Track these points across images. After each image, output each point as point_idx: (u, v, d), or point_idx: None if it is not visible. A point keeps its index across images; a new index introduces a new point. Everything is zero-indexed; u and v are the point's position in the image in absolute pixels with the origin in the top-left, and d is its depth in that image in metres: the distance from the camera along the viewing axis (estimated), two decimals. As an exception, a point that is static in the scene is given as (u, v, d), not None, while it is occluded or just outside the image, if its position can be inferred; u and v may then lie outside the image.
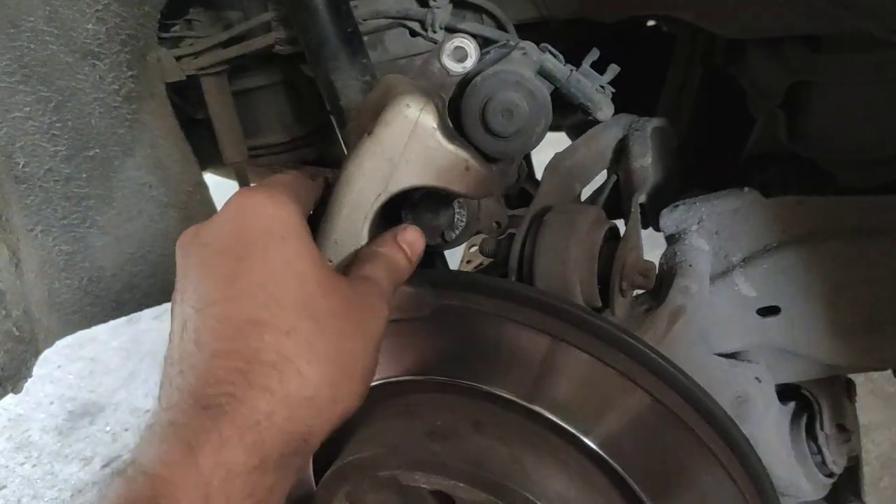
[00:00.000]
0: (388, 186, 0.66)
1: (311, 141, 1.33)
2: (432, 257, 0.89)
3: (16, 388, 1.19)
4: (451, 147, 0.66)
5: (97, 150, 1.17)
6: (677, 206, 0.95)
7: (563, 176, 0.94)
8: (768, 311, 1.00)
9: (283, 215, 0.60)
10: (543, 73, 0.84)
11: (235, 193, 0.63)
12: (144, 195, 1.24)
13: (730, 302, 0.99)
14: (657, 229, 1.00)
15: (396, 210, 0.78)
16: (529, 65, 0.83)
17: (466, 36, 0.80)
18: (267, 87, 1.27)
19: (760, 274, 0.97)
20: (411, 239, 0.70)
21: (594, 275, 0.83)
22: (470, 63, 0.80)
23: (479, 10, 1.07)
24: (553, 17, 1.07)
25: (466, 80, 0.80)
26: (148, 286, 1.30)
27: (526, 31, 1.09)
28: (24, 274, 1.17)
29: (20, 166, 1.13)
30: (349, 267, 0.66)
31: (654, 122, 0.99)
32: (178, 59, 1.15)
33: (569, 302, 0.79)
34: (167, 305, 1.36)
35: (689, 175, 1.12)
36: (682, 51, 1.18)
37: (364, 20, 1.09)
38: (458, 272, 0.90)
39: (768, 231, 0.94)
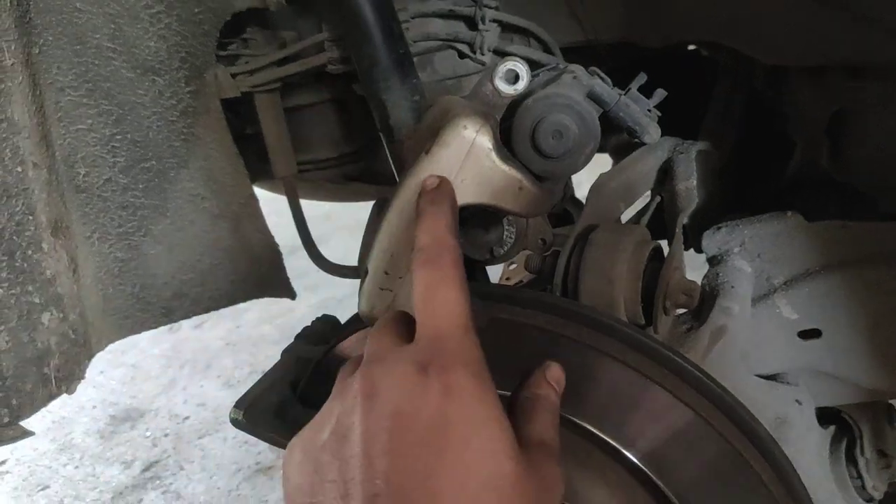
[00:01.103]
0: (443, 203, 0.69)
1: (358, 157, 1.37)
2: (475, 271, 0.92)
3: (70, 390, 1.23)
4: (505, 167, 0.69)
5: (153, 162, 1.22)
6: (720, 227, 0.97)
7: (609, 196, 0.96)
8: (809, 335, 1.01)
9: (487, 398, 0.56)
10: (593, 97, 0.87)
11: (424, 357, 0.57)
12: (197, 206, 1.28)
13: (771, 324, 1.01)
14: (699, 251, 1.02)
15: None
16: (580, 88, 0.86)
17: (518, 59, 0.83)
18: (317, 104, 1.30)
19: (802, 297, 0.98)
20: (559, 376, 0.68)
21: (638, 293, 0.85)
22: (521, 85, 0.82)
23: (526, 33, 1.10)
24: (599, 40, 1.10)
25: (517, 102, 0.83)
26: (196, 295, 1.34)
27: (571, 54, 1.11)
28: (81, 279, 1.21)
29: (81, 176, 1.18)
30: (521, 424, 0.61)
31: (699, 146, 1.01)
32: (234, 76, 1.19)
33: (614, 318, 0.81)
34: (207, 315, 1.40)
35: (731, 198, 1.13)
36: (726, 76, 1.20)
37: (415, 41, 1.12)
38: (505, 286, 0.93)
39: (811, 255, 0.96)
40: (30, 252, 1.11)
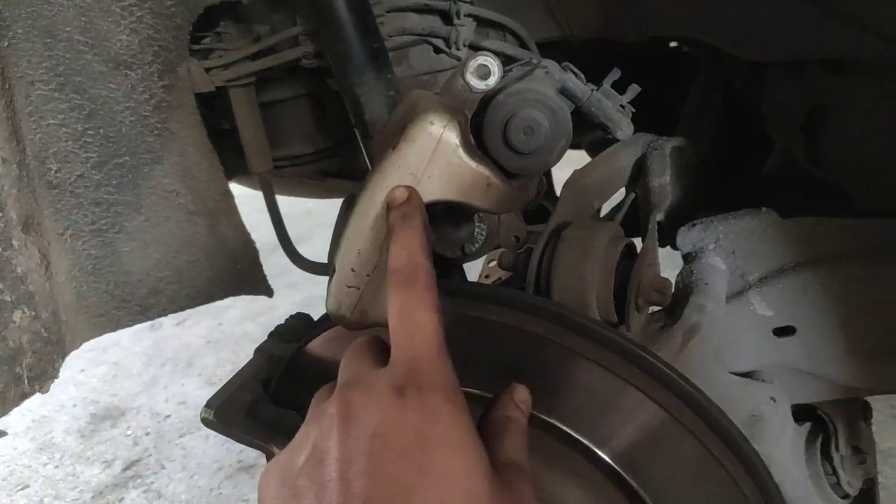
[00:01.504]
0: (410, 199, 0.68)
1: (334, 153, 1.36)
2: (450, 269, 0.91)
3: (43, 389, 1.21)
4: (473, 164, 0.68)
5: (127, 158, 1.20)
6: (694, 224, 0.97)
7: (582, 193, 0.95)
8: (784, 332, 1.01)
9: (462, 421, 0.56)
10: (565, 92, 0.86)
11: (395, 379, 0.57)
12: (172, 202, 1.26)
13: (745, 321, 1.00)
14: (674, 248, 1.01)
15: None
16: (551, 84, 0.85)
17: (490, 54, 0.82)
18: (292, 99, 1.29)
19: (777, 294, 0.98)
20: (525, 398, 0.68)
21: (610, 290, 0.85)
22: (493, 81, 0.82)
23: (502, 28, 1.09)
24: (576, 36, 1.09)
25: (489, 98, 0.83)
26: (173, 292, 1.32)
27: (548, 49, 1.11)
28: (54, 277, 1.20)
29: (53, 171, 1.16)
30: (493, 445, 0.61)
31: (674, 142, 1.00)
32: (208, 70, 1.18)
33: (585, 316, 0.81)
34: (189, 312, 1.38)
35: (708, 195, 1.13)
36: (704, 72, 1.19)
37: (390, 36, 1.11)
38: (476, 283, 0.92)
39: (785, 251, 0.95)
40: (1, 250, 1.10)
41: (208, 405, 0.98)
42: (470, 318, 0.77)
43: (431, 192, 0.68)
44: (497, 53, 0.97)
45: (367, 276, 0.69)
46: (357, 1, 1.05)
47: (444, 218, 0.79)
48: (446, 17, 1.09)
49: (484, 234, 0.80)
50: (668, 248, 1.05)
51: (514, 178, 0.86)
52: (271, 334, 1.03)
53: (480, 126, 0.83)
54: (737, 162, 1.24)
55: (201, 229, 1.30)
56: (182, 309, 1.34)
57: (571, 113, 0.86)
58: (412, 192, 0.69)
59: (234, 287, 1.37)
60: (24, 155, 1.13)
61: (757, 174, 1.19)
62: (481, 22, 1.09)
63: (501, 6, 1.09)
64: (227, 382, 1.01)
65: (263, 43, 1.17)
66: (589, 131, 1.03)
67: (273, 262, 1.41)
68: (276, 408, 0.96)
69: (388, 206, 0.68)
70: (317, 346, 0.91)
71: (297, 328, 1.04)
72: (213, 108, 1.31)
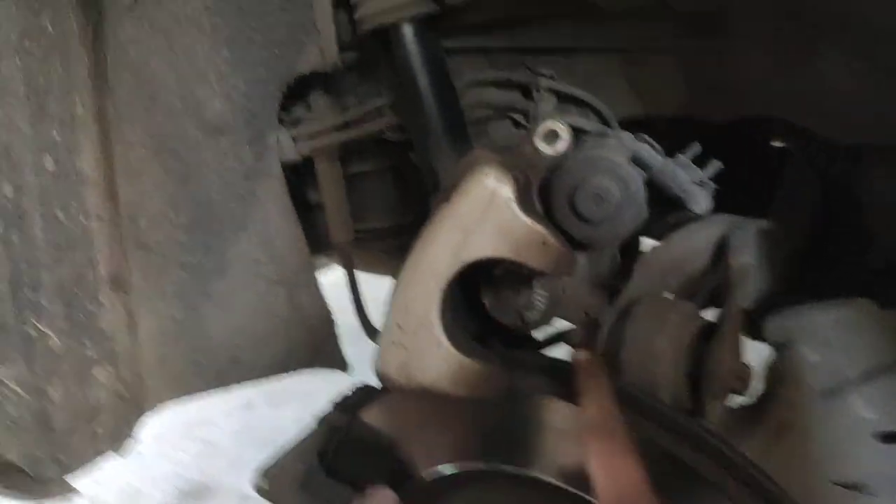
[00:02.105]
0: (461, 255, 0.66)
1: (415, 228, 1.34)
2: (512, 336, 0.86)
3: (118, 448, 1.22)
4: (527, 220, 0.65)
5: (215, 223, 1.22)
6: (784, 312, 0.89)
7: (657, 270, 0.90)
8: (890, 438, 0.90)
9: None
10: (637, 162, 0.82)
11: None
12: (254, 270, 1.27)
13: (844, 422, 0.90)
14: (762, 339, 0.93)
15: (476, 285, 0.77)
16: (623, 152, 0.82)
17: (560, 120, 0.80)
18: (376, 171, 1.30)
19: (879, 394, 0.88)
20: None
21: (682, 372, 0.78)
22: (562, 146, 0.79)
23: (583, 104, 1.07)
24: (660, 114, 1.06)
25: (558, 164, 0.80)
26: (250, 360, 1.32)
27: (631, 128, 1.08)
28: (138, 338, 1.22)
29: (143, 232, 1.19)
30: None
31: (760, 224, 0.94)
32: (295, 140, 1.20)
33: (654, 399, 0.74)
34: (281, 394, 1.36)
35: (806, 286, 1.05)
36: (797, 156, 1.12)
37: (469, 109, 1.11)
38: (534, 354, 0.87)
39: (887, 346, 0.86)
40: (88, 305, 1.12)
41: (264, 474, 0.95)
42: (518, 391, 0.72)
43: (483, 247, 0.65)
44: (575, 128, 0.94)
45: (414, 333, 0.66)
46: (438, 74, 1.06)
47: (504, 282, 0.76)
48: (527, 92, 1.09)
49: (544, 301, 0.76)
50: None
51: (583, 249, 0.82)
52: (333, 404, 1.00)
53: (549, 192, 0.80)
54: (835, 251, 1.15)
55: (281, 299, 1.30)
56: (258, 378, 1.34)
57: (646, 185, 0.82)
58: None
59: (310, 359, 1.36)
60: (117, 214, 1.17)
61: (857, 264, 1.09)
62: (562, 97, 1.08)
63: (584, 82, 1.07)
64: (283, 451, 0.98)
65: (349, 114, 1.19)
66: (669, 211, 0.98)
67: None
68: (328, 480, 0.92)
69: (575, 368, 0.75)
70: (372, 416, 0.88)
71: (360, 399, 1.01)
72: (302, 178, 1.34)
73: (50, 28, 1.03)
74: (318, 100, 1.21)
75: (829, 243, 1.13)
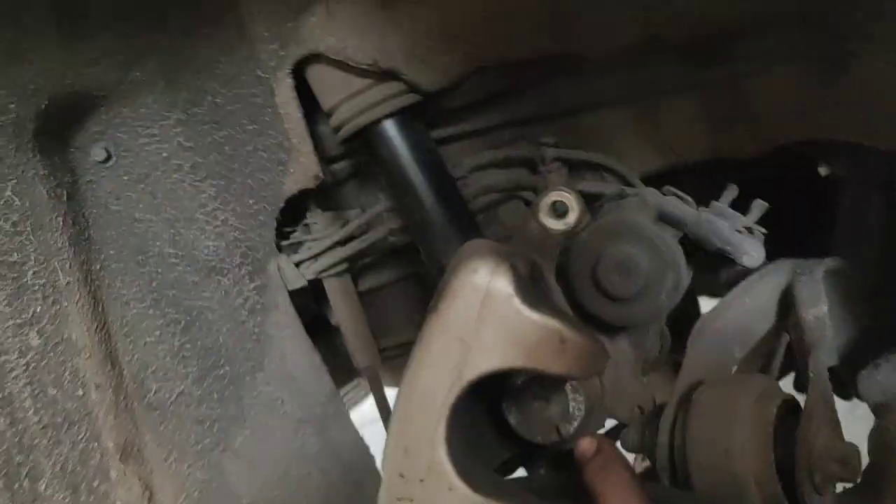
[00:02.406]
0: (462, 374, 0.53)
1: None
2: (546, 457, 0.72)
3: None
4: (535, 316, 0.52)
5: (227, 368, 1.13)
6: (879, 364, 0.73)
7: (715, 341, 0.75)
8: None
9: None
10: (665, 219, 0.70)
11: None
12: (277, 411, 1.17)
13: None
14: (858, 397, 0.77)
15: (494, 402, 0.64)
16: (646, 211, 0.70)
17: (565, 188, 0.68)
18: (394, 283, 1.20)
19: None
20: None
21: (772, 466, 0.63)
22: (573, 217, 0.67)
23: (597, 167, 0.96)
24: (685, 161, 0.94)
25: (572, 240, 0.68)
26: (287, 514, 1.19)
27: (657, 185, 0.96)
28: (159, 508, 1.11)
29: (152, 393, 1.11)
30: None
31: (827, 264, 0.79)
32: (298, 265, 1.11)
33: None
34: None
35: (890, 328, 0.88)
36: (852, 181, 0.98)
37: (474, 198, 1.01)
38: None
39: None
40: (96, 483, 1.03)
41: None
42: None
43: (488, 360, 0.52)
44: (587, 194, 0.82)
45: (422, 481, 0.53)
46: (431, 165, 0.97)
47: (528, 392, 0.62)
48: (533, 166, 0.98)
49: (582, 406, 0.62)
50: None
51: (620, 332, 0.69)
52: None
53: (567, 274, 0.68)
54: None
55: (311, 438, 1.18)
56: (298, 533, 1.20)
57: (682, 243, 0.69)
58: (601, 440, 0.62)
59: (352, 499, 1.22)
60: (120, 378, 1.08)
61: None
62: (573, 165, 0.97)
63: (594, 144, 0.96)
64: None
65: (350, 227, 1.09)
66: (723, 269, 0.85)
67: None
68: None
69: (580, 462, 0.61)
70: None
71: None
72: (319, 302, 1.24)
73: (16, 200, 0.97)
74: (317, 218, 1.12)
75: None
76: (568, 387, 0.63)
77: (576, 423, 0.63)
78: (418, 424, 0.53)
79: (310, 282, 1.12)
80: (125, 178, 1.04)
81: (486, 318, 0.52)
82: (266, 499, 1.18)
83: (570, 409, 0.62)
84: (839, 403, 0.73)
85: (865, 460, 0.73)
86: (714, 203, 0.70)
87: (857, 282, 0.83)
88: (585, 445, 0.60)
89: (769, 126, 0.85)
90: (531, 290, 0.56)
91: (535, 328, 0.52)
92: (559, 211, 0.67)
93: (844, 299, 0.79)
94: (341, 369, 1.27)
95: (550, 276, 0.67)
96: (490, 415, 0.66)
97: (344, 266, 1.13)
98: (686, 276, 0.68)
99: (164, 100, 1.03)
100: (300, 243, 1.13)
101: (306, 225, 1.13)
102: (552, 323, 0.52)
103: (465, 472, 0.53)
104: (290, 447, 1.18)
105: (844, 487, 0.72)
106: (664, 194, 0.74)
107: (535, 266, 0.62)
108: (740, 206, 0.76)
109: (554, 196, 0.67)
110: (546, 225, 0.66)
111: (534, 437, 0.63)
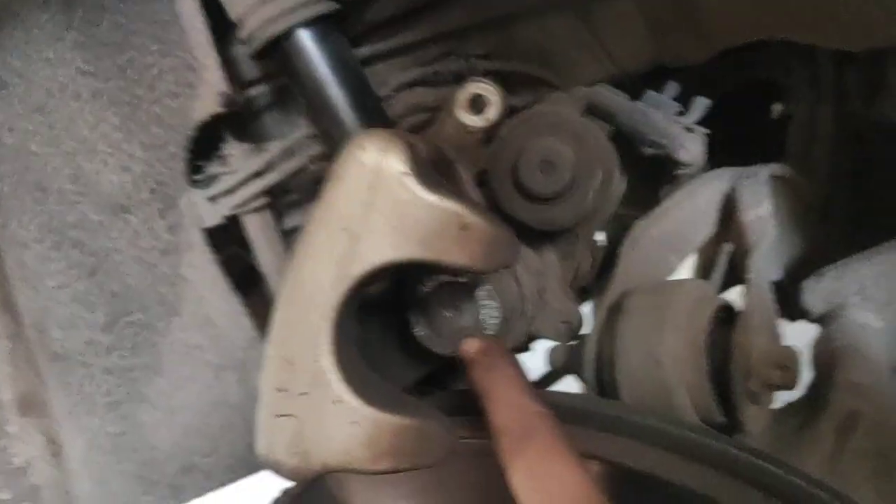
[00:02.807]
0: (349, 268, 0.45)
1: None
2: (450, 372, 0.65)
3: None
4: (431, 198, 0.45)
5: (139, 315, 1.06)
6: (824, 273, 0.67)
7: (650, 248, 0.69)
8: None
9: None
10: (595, 111, 0.63)
11: None
12: (195, 359, 1.10)
13: (933, 402, 0.68)
14: (803, 315, 0.72)
15: (399, 311, 0.57)
16: (572, 103, 0.63)
17: (485, 80, 0.61)
18: (321, 221, 1.11)
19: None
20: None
21: (705, 374, 0.57)
22: (493, 112, 0.60)
23: (532, 81, 0.88)
24: (627, 71, 0.87)
25: (492, 137, 0.61)
26: (208, 466, 1.13)
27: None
28: (66, 463, 1.04)
29: (57, 341, 1.03)
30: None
31: (772, 169, 0.73)
32: (213, 200, 1.02)
33: (669, 420, 0.53)
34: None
35: (841, 243, 0.83)
36: (803, 93, 0.92)
37: (402, 117, 0.93)
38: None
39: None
40: (-7, 439, 0.95)
41: None
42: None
43: (378, 249, 0.45)
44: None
45: (303, 394, 0.46)
46: (352, 80, 0.89)
47: (437, 299, 0.55)
48: (463, 82, 0.90)
49: (497, 314, 0.56)
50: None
51: (550, 239, 0.62)
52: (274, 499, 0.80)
53: (487, 175, 0.61)
54: (873, 196, 0.93)
55: (232, 386, 1.11)
56: (222, 485, 1.14)
57: (614, 138, 0.63)
58: (487, 339, 0.56)
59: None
60: (19, 326, 1.00)
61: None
62: (506, 78, 0.89)
63: (529, 55, 0.89)
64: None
65: (267, 155, 1.01)
66: (663, 184, 0.79)
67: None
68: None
69: (464, 362, 0.55)
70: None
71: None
72: (241, 244, 1.16)
73: None
74: (233, 149, 1.03)
75: (863, 184, 0.92)
76: (480, 293, 0.56)
77: (490, 333, 0.57)
78: (301, 329, 0.46)
79: (229, 220, 1.04)
80: (19, 107, 0.96)
81: (375, 202, 0.45)
82: (186, 450, 1.12)
83: (483, 317, 0.56)
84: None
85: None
86: (649, 92, 0.64)
87: (805, 189, 0.77)
88: (468, 346, 0.54)
89: (713, 27, 0.78)
90: (431, 172, 0.49)
91: (431, 212, 0.45)
92: (478, 106, 0.60)
93: (791, 207, 0.74)
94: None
95: (468, 178, 0.60)
96: (400, 334, 0.59)
97: (264, 201, 1.05)
98: (619, 175, 0.61)
99: (60, 18, 0.94)
100: (215, 177, 1.05)
101: (221, 157, 1.04)
102: (452, 205, 0.45)
103: (358, 384, 0.46)
104: (210, 395, 1.11)
105: (786, 402, 0.67)
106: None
107: (444, 156, 0.55)
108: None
109: (472, 88, 0.60)
110: (463, 121, 0.59)
111: (444, 350, 0.56)
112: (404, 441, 0.46)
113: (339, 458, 0.45)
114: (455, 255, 0.45)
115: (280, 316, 0.47)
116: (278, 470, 0.47)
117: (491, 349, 0.53)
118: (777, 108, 1.09)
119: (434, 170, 0.52)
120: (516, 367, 0.52)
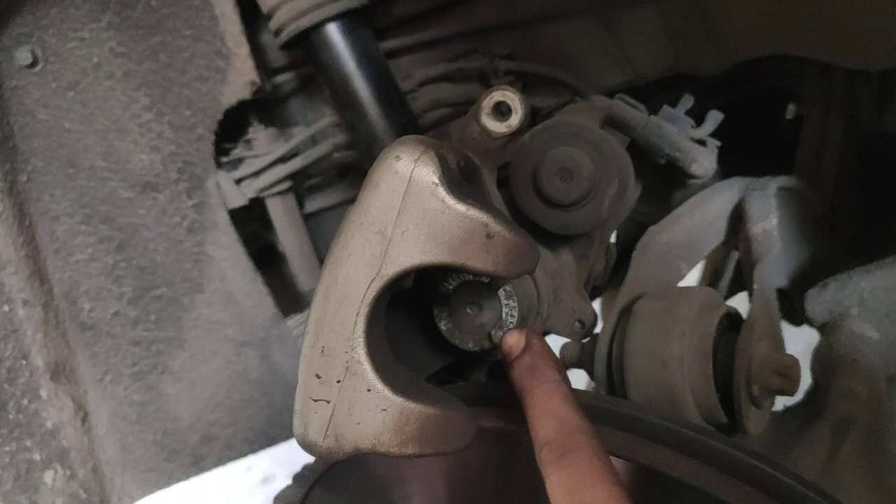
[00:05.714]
0: (381, 269, 0.49)
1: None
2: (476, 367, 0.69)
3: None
4: (460, 207, 0.48)
5: (164, 289, 1.09)
6: (827, 284, 0.70)
7: (660, 255, 0.73)
8: None
9: None
10: (613, 123, 0.66)
11: None
12: (218, 334, 1.13)
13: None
14: (806, 321, 0.75)
15: (425, 306, 0.60)
16: (593, 114, 0.66)
17: (510, 88, 0.64)
18: (341, 205, 1.15)
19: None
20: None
21: (710, 378, 0.60)
22: (516, 120, 0.63)
23: (552, 82, 0.91)
24: (644, 78, 0.90)
25: (515, 144, 0.64)
26: (228, 437, 1.17)
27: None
28: (93, 429, 1.08)
29: (86, 312, 1.06)
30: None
31: (781, 180, 0.76)
32: (239, 182, 1.06)
33: (673, 420, 0.57)
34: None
35: (847, 253, 0.86)
36: (815, 104, 0.95)
37: (425, 112, 0.96)
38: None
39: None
40: (25, 402, 0.99)
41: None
42: (492, 432, 0.55)
43: (409, 253, 0.49)
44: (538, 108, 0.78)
45: (339, 382, 0.50)
46: (377, 74, 0.92)
47: (461, 297, 0.59)
48: (486, 80, 0.93)
49: (516, 313, 0.59)
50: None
51: (567, 242, 0.66)
52: (295, 477, 0.84)
53: (509, 180, 0.64)
54: (881, 209, 0.96)
55: (253, 361, 1.15)
56: (242, 455, 1.18)
57: (631, 152, 0.66)
58: (528, 333, 0.55)
59: (295, 426, 1.19)
60: (50, 296, 1.04)
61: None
62: (528, 78, 0.92)
63: (550, 57, 0.92)
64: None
65: (293, 141, 1.04)
66: (675, 190, 0.81)
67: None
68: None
69: (506, 359, 0.55)
70: (329, 487, 0.71)
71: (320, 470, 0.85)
72: (267, 230, 1.19)
73: (-66, 109, 0.91)
74: (259, 133, 1.06)
75: (871, 196, 0.95)
76: (501, 292, 0.60)
77: (507, 330, 0.60)
78: (336, 323, 0.50)
79: (252, 202, 1.08)
80: (53, 84, 0.98)
81: (408, 208, 0.49)
82: (207, 421, 1.15)
83: (504, 316, 0.59)
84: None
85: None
86: (666, 108, 0.66)
87: (813, 200, 0.80)
88: (511, 340, 0.55)
89: (731, 40, 0.81)
90: (460, 182, 0.52)
91: (459, 220, 0.48)
92: (502, 112, 0.63)
93: (798, 218, 0.76)
94: (291, 298, 1.23)
95: (490, 181, 0.63)
96: (423, 327, 0.63)
97: (287, 185, 1.08)
98: (633, 184, 0.65)
99: (96, 0, 0.97)
100: (241, 160, 1.08)
101: (248, 140, 1.08)
102: (478, 215, 0.49)
103: (388, 374, 0.50)
104: (231, 370, 1.14)
105: (786, 406, 0.71)
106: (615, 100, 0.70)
107: (470, 163, 0.58)
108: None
109: (497, 96, 0.62)
110: (487, 127, 0.62)
111: (465, 345, 0.59)
112: (429, 429, 0.49)
113: (369, 442, 0.49)
114: (480, 261, 0.49)
115: (317, 309, 0.50)
116: (312, 450, 0.50)
117: (533, 346, 0.53)
118: (791, 109, 1.11)
119: (461, 176, 0.55)
120: (557, 368, 0.52)
